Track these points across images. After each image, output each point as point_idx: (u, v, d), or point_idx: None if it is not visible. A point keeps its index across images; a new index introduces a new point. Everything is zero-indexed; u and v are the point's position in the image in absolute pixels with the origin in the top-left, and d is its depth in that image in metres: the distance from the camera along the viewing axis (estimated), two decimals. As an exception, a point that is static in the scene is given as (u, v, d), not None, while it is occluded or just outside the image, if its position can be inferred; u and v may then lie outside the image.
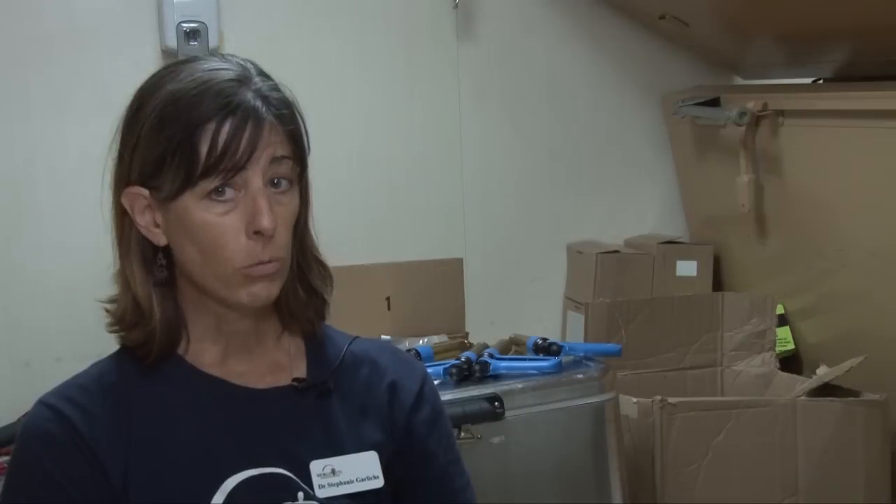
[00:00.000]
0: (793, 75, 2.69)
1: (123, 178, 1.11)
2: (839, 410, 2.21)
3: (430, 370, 1.99)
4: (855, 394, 2.24)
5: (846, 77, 2.53)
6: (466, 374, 2.00)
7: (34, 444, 1.09)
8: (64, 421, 1.09)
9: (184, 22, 2.42)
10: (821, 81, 2.62)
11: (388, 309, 2.47)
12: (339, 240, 2.61)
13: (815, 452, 2.20)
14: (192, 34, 2.43)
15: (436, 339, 2.38)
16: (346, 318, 2.29)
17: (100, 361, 1.17)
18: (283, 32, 2.59)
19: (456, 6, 2.70)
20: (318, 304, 1.22)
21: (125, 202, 1.11)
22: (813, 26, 2.37)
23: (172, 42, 2.42)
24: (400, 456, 1.20)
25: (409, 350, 2.11)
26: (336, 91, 2.65)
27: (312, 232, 1.20)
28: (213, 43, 2.45)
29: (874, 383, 2.24)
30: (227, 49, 2.48)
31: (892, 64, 2.29)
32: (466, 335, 2.46)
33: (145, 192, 1.09)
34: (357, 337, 1.27)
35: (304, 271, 1.19)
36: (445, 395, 1.90)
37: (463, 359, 2.02)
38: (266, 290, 1.10)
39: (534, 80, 2.84)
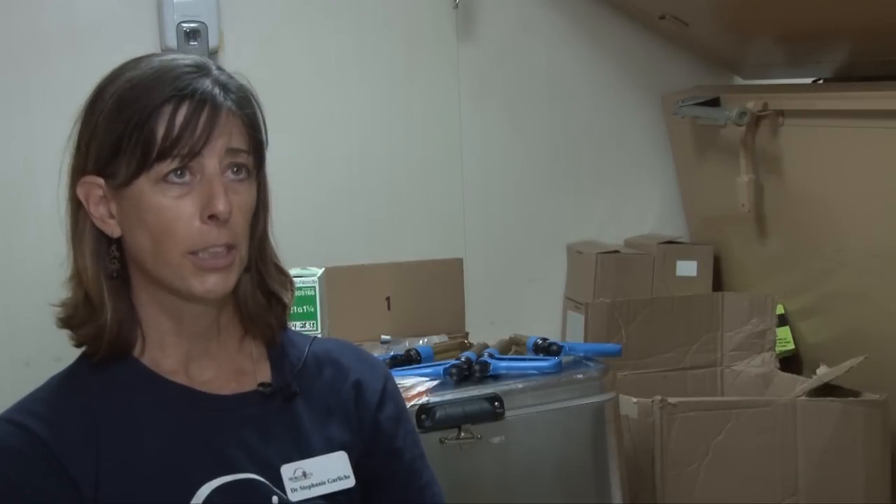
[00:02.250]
0: (793, 75, 2.69)
1: (79, 168, 1.12)
2: (839, 410, 2.21)
3: (430, 370, 2.00)
4: (855, 394, 2.24)
5: (846, 77, 2.53)
6: (466, 374, 1.99)
7: (2, 463, 1.06)
8: (31, 437, 1.07)
9: (184, 22, 2.43)
10: (821, 81, 2.62)
11: (388, 309, 2.47)
12: (339, 240, 2.62)
13: (815, 452, 2.20)
14: (192, 34, 2.43)
15: (436, 339, 2.38)
16: (347, 318, 2.30)
17: (58, 373, 1.16)
18: (283, 32, 2.59)
19: (456, 6, 2.70)
20: (279, 310, 1.21)
21: (80, 193, 1.11)
22: (813, 26, 2.37)
23: (172, 42, 2.42)
24: (368, 454, 1.21)
25: (409, 350, 2.11)
26: (336, 91, 2.65)
27: (272, 239, 1.20)
28: (213, 43, 2.45)
29: (874, 383, 2.24)
30: (227, 49, 2.48)
31: (892, 64, 2.29)
32: (466, 335, 2.46)
33: (100, 181, 1.09)
34: (316, 337, 1.28)
35: (263, 277, 1.18)
36: (445, 395, 1.91)
37: (463, 359, 2.02)
38: (222, 283, 1.09)
39: (534, 80, 2.84)
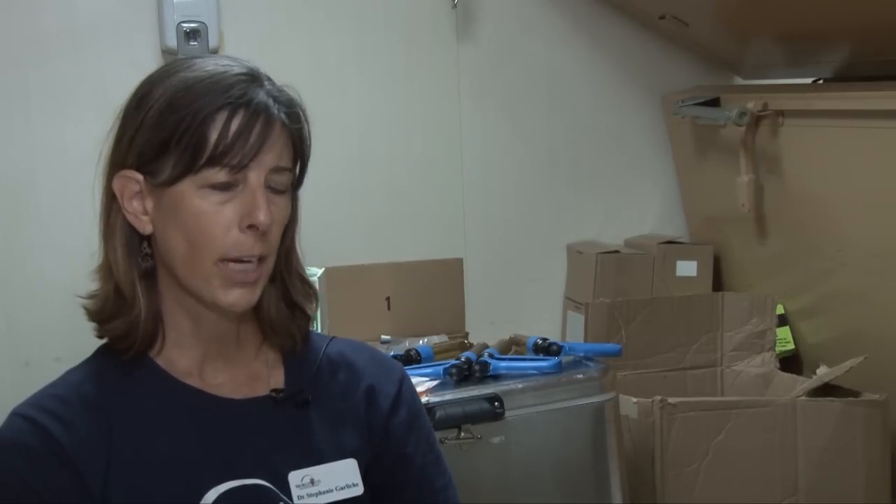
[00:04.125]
0: (793, 75, 2.69)
1: (118, 162, 1.10)
2: (839, 410, 2.21)
3: (430, 370, 2.00)
4: (855, 394, 2.24)
5: (846, 77, 2.53)
6: (466, 374, 1.99)
7: (12, 457, 1.06)
8: (43, 433, 1.07)
9: (184, 22, 2.42)
10: (821, 81, 2.62)
11: (388, 309, 2.47)
12: (339, 240, 2.62)
13: (815, 452, 2.20)
14: (192, 34, 2.43)
15: (436, 339, 2.38)
16: (346, 318, 2.31)
17: (74, 369, 1.15)
18: (283, 33, 2.59)
19: (455, 6, 2.70)
20: (302, 320, 1.20)
21: (116, 186, 1.10)
22: (813, 26, 2.37)
23: (172, 42, 2.42)
24: (379, 461, 1.20)
25: (409, 350, 2.11)
26: (336, 91, 2.65)
27: (299, 250, 1.20)
28: (213, 43, 2.45)
29: (874, 383, 2.24)
30: (228, 49, 2.48)
31: (892, 64, 2.29)
32: (466, 335, 2.46)
33: (139, 176, 1.08)
34: (334, 337, 1.27)
35: (287, 287, 1.18)
36: (445, 395, 1.91)
37: (463, 359, 2.02)
38: (247, 297, 1.10)
39: (534, 80, 2.83)
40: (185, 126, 1.05)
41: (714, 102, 2.66)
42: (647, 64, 2.92)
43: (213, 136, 1.05)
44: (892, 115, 2.16)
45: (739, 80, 2.94)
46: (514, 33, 2.80)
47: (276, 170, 1.09)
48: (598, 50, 2.88)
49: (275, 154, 1.08)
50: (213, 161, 1.05)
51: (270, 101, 1.08)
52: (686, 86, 2.88)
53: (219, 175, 1.06)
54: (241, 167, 1.06)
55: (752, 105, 2.49)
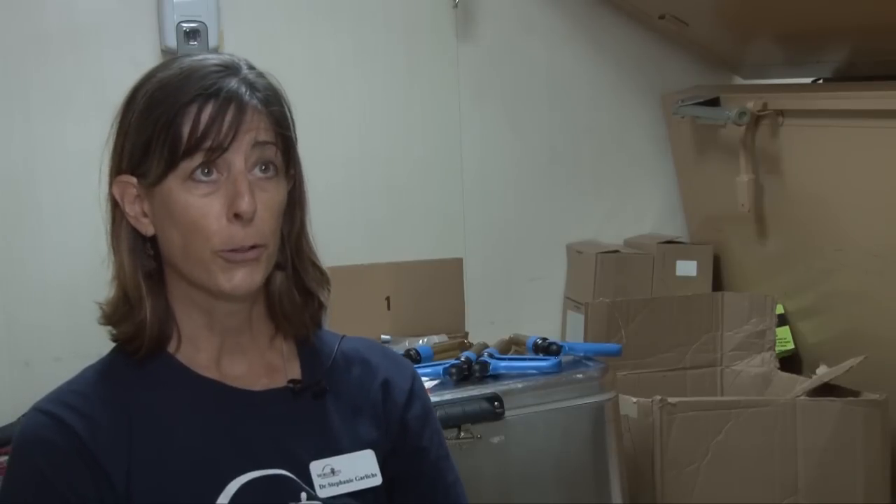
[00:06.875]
0: (793, 75, 2.69)
1: (115, 168, 1.12)
2: (839, 410, 2.21)
3: (429, 370, 2.00)
4: (855, 394, 2.24)
5: (846, 77, 2.53)
6: (466, 373, 2.00)
7: (35, 453, 1.07)
8: (65, 429, 1.07)
9: (184, 22, 2.43)
10: (821, 81, 2.62)
11: (388, 309, 2.47)
12: (339, 240, 2.62)
13: (815, 452, 2.20)
14: (191, 34, 2.43)
15: (436, 339, 2.38)
16: (346, 318, 2.29)
17: (93, 365, 1.16)
18: (283, 32, 2.59)
19: (456, 6, 2.70)
20: (314, 308, 1.21)
21: (116, 192, 1.12)
22: (813, 26, 2.37)
23: (172, 42, 2.42)
24: (395, 453, 1.21)
25: (409, 350, 2.11)
26: (336, 91, 2.65)
27: (311, 236, 1.20)
28: (212, 43, 2.45)
29: (874, 383, 2.24)
30: (227, 49, 2.48)
31: (892, 64, 2.29)
32: (466, 335, 2.46)
33: (133, 179, 1.10)
34: (345, 336, 1.28)
35: (299, 274, 1.18)
36: (445, 395, 1.91)
37: (463, 359, 2.02)
38: (248, 278, 1.09)
39: (534, 80, 2.84)
40: (161, 124, 1.07)
41: (714, 102, 2.66)
42: (646, 64, 2.92)
43: (186, 128, 1.06)
44: (892, 115, 2.16)
45: (739, 80, 2.95)
46: (514, 33, 2.80)
47: (259, 145, 1.08)
48: (598, 50, 2.88)
49: (253, 133, 1.08)
50: (189, 151, 1.06)
51: (243, 88, 1.08)
52: (686, 85, 2.88)
53: (196, 161, 1.06)
54: (219, 150, 1.06)
55: (751, 105, 2.49)
